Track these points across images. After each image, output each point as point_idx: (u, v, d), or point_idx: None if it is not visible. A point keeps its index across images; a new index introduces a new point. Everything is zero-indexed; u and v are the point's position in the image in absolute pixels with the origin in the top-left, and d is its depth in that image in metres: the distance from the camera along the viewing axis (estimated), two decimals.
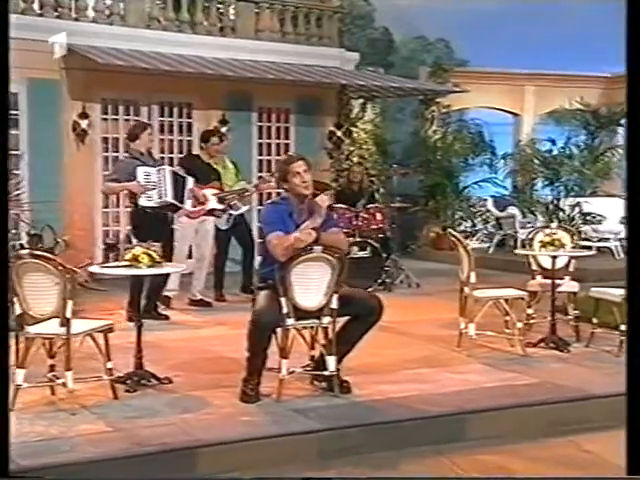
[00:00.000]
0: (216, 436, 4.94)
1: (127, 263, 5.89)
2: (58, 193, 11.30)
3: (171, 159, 12.24)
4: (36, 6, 11.53)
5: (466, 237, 15.01)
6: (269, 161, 13.30)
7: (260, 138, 13.22)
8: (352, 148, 14.06)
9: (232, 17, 13.13)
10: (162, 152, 12.22)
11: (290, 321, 5.65)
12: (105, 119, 11.88)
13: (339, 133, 13.61)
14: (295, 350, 5.90)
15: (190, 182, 8.78)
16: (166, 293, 9.09)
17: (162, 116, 12.35)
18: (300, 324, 5.73)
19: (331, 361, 5.75)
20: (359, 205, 11.00)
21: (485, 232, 15.05)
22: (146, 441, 4.82)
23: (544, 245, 7.33)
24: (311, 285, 5.69)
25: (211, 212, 9.31)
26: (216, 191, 9.24)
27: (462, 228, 14.95)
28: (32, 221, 10.76)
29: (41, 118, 11.25)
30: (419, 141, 14.94)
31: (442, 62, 16.57)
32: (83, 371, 5.77)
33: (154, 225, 8.51)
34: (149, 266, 5.87)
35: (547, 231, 7.59)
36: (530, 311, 7.71)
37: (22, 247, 8.06)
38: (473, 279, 7.10)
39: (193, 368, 6.59)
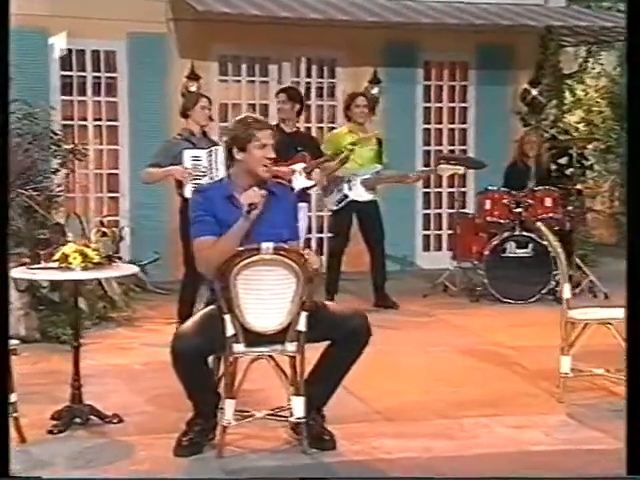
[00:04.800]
0: None
1: (56, 265, 5.47)
2: None
3: (308, 128, 11.79)
4: None
5: None
6: (439, 131, 12.46)
7: (427, 101, 12.39)
8: (557, 112, 12.83)
9: None
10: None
11: (238, 347, 4.97)
12: (224, 81, 11.60)
13: (535, 92, 12.45)
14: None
15: None
16: None
17: (297, 76, 11.87)
18: (253, 352, 5.04)
19: (298, 403, 5.02)
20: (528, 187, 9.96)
21: None
22: None
23: None
24: (267, 298, 4.98)
25: (305, 192, 8.71)
26: (303, 165, 8.58)
27: None
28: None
29: (144, 81, 11.14)
30: None
31: None
32: None
33: None
34: (83, 268, 5.44)
35: None
36: None
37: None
38: (567, 293, 6.04)
39: (173, 402, 6.07)
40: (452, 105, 12.56)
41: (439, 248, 12.20)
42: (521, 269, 9.53)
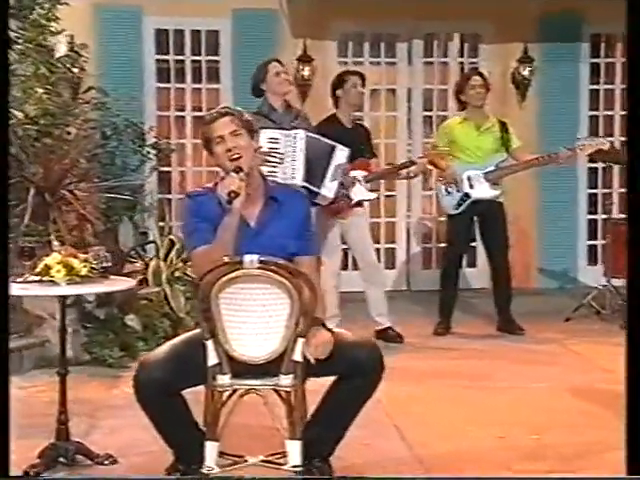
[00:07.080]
0: None
1: (38, 278, 5.41)
2: None
3: (444, 117, 11.50)
4: None
5: None
6: (609, 118, 11.94)
7: (595, 83, 11.97)
8: None
9: None
10: (428, 109, 11.52)
11: (223, 379, 4.75)
12: (344, 63, 11.42)
13: None
14: None
15: (340, 155, 7.99)
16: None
17: (429, 56, 11.72)
18: (240, 384, 4.80)
19: (294, 448, 4.76)
20: None
21: None
22: None
23: None
24: (255, 322, 4.74)
25: (359, 204, 8.63)
26: (364, 172, 8.45)
27: None
28: None
29: (251, 65, 10.99)
30: None
31: None
32: None
33: None
34: (68, 282, 5.35)
35: None
36: None
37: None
38: None
39: None
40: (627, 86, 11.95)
41: None
42: None
